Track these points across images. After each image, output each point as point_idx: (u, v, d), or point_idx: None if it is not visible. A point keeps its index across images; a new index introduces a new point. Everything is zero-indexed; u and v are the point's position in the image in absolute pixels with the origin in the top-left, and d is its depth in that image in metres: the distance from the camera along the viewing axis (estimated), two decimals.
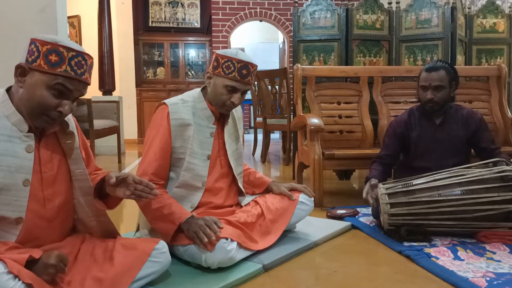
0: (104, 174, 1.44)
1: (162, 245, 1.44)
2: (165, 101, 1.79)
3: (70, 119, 1.41)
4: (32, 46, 1.21)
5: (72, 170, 1.38)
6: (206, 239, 1.53)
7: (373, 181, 2.16)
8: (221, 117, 1.88)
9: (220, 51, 1.78)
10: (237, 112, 1.99)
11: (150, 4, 7.39)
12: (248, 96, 5.05)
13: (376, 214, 2.20)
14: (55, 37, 1.23)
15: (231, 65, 1.73)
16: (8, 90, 1.28)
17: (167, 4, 7.43)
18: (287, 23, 6.96)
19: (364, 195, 2.14)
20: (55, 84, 1.21)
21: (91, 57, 1.28)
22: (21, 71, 1.23)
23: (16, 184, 1.23)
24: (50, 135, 1.34)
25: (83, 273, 1.30)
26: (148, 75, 7.53)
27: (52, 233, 1.34)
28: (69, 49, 1.22)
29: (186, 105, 1.79)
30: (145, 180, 1.36)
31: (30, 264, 1.14)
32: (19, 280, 1.07)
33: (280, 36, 8.87)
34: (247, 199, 1.99)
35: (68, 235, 1.42)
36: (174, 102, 1.79)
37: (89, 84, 1.29)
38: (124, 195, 1.35)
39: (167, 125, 1.74)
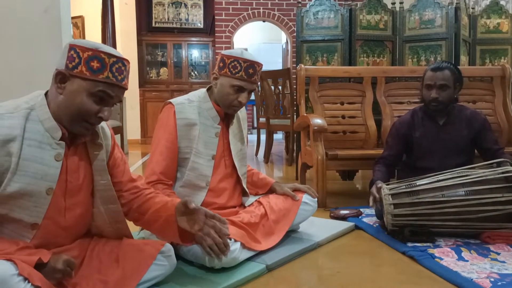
0: (163, 201, 1.46)
1: (168, 248, 1.44)
2: (171, 100, 1.80)
3: (104, 126, 1.40)
4: (72, 52, 1.19)
5: (95, 180, 1.36)
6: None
7: (379, 183, 2.13)
8: (226, 118, 1.88)
9: (226, 52, 1.79)
10: (241, 113, 1.99)
11: (153, 5, 7.39)
12: (251, 96, 5.05)
13: (379, 214, 2.20)
14: (94, 43, 1.22)
15: (237, 65, 1.73)
16: (46, 93, 1.27)
17: (170, 4, 7.44)
18: (290, 23, 6.96)
19: (371, 203, 2.10)
20: (97, 91, 1.21)
21: (128, 62, 1.28)
22: (61, 78, 1.21)
23: (39, 191, 1.21)
24: (79, 145, 1.32)
25: (88, 275, 1.29)
26: (151, 75, 7.54)
27: (65, 240, 1.33)
28: (110, 55, 1.21)
29: (191, 105, 1.80)
30: (218, 215, 1.40)
31: (38, 266, 1.13)
32: (29, 282, 1.07)
33: (283, 37, 8.88)
34: (251, 199, 1.99)
35: (79, 238, 1.42)
36: (180, 102, 1.79)
37: (127, 89, 1.29)
38: (192, 229, 1.38)
39: (173, 124, 1.74)
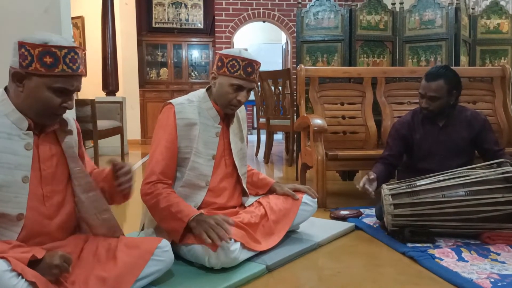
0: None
1: (165, 244, 1.45)
2: (171, 100, 1.80)
3: (70, 119, 1.43)
4: (23, 50, 1.20)
5: (71, 168, 1.39)
6: (219, 241, 1.52)
7: (372, 175, 2.14)
8: (226, 117, 1.88)
9: (224, 51, 1.79)
10: (241, 112, 1.99)
11: (153, 5, 7.39)
12: (251, 97, 5.04)
13: (379, 215, 2.20)
14: (43, 37, 1.22)
15: (236, 64, 1.74)
16: (6, 88, 1.29)
17: (171, 5, 7.44)
18: (290, 23, 6.96)
19: (361, 184, 2.12)
20: (56, 87, 1.23)
21: (81, 48, 1.29)
22: (18, 77, 1.23)
23: (16, 181, 1.24)
24: (48, 133, 1.35)
25: (86, 272, 1.30)
26: (151, 75, 7.54)
27: (53, 231, 1.35)
28: (61, 48, 1.22)
29: (191, 105, 1.80)
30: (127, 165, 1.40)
31: (33, 263, 1.14)
32: (22, 278, 1.08)
33: (283, 37, 8.88)
34: (251, 200, 1.98)
35: (71, 234, 1.43)
36: (180, 102, 1.79)
37: (84, 75, 1.31)
38: (115, 186, 1.40)
39: (173, 125, 1.74)
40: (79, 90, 1.31)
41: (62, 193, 1.37)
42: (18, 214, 1.25)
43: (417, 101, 2.37)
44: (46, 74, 1.21)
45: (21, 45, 1.21)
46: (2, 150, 1.23)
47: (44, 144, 1.33)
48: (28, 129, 1.28)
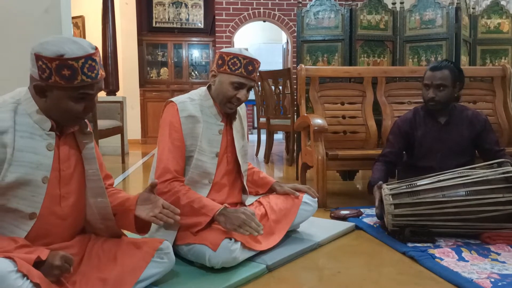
0: (127, 196, 1.47)
1: (167, 246, 1.45)
2: (173, 99, 1.80)
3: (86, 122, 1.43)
4: (40, 62, 1.19)
5: (86, 170, 1.39)
6: (256, 233, 1.57)
7: (380, 184, 2.13)
8: (228, 115, 1.88)
9: (224, 50, 1.79)
10: (242, 110, 2.00)
11: (153, 5, 7.40)
12: (251, 96, 5.05)
13: (380, 215, 2.19)
14: (57, 48, 1.18)
15: (237, 62, 1.74)
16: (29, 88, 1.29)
17: (171, 4, 7.44)
18: (291, 23, 6.96)
19: (377, 208, 2.10)
20: (78, 94, 1.23)
21: (97, 52, 1.25)
22: (40, 89, 1.23)
23: (36, 180, 1.24)
24: (68, 134, 1.35)
25: (87, 273, 1.30)
26: (151, 75, 7.54)
27: (63, 232, 1.35)
28: (77, 59, 1.19)
29: (193, 103, 1.80)
30: (173, 206, 1.41)
31: (37, 264, 1.14)
32: (27, 279, 1.07)
33: (283, 37, 8.87)
34: (251, 199, 1.98)
35: (78, 235, 1.43)
36: (182, 100, 1.79)
37: (104, 76, 1.31)
38: (146, 215, 1.38)
39: (178, 122, 1.75)
40: (102, 90, 1.32)
41: (78, 193, 1.37)
42: (31, 213, 1.25)
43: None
44: (66, 86, 1.20)
45: (38, 58, 1.19)
46: (24, 149, 1.22)
47: (64, 145, 1.33)
48: (51, 129, 1.28)
